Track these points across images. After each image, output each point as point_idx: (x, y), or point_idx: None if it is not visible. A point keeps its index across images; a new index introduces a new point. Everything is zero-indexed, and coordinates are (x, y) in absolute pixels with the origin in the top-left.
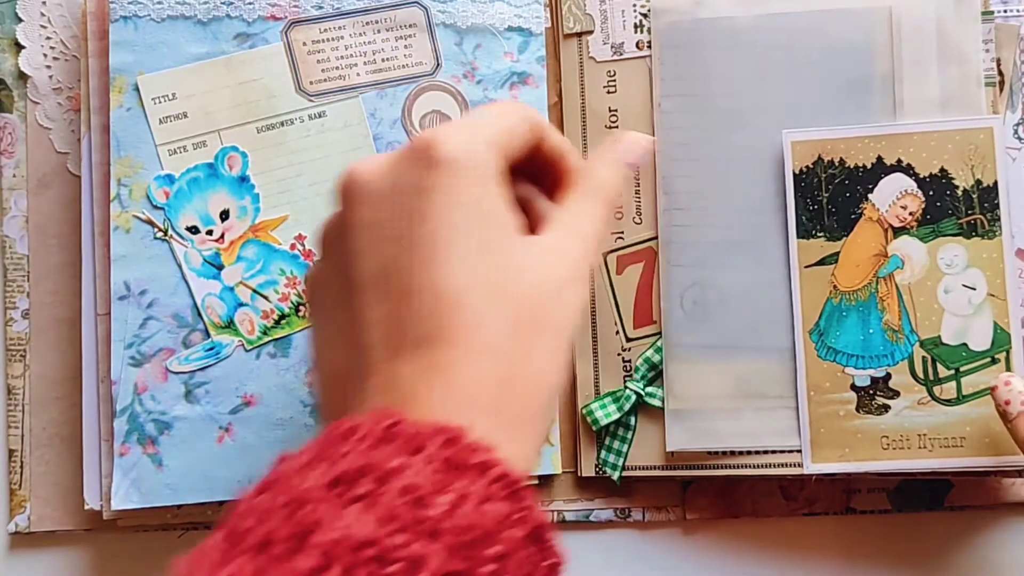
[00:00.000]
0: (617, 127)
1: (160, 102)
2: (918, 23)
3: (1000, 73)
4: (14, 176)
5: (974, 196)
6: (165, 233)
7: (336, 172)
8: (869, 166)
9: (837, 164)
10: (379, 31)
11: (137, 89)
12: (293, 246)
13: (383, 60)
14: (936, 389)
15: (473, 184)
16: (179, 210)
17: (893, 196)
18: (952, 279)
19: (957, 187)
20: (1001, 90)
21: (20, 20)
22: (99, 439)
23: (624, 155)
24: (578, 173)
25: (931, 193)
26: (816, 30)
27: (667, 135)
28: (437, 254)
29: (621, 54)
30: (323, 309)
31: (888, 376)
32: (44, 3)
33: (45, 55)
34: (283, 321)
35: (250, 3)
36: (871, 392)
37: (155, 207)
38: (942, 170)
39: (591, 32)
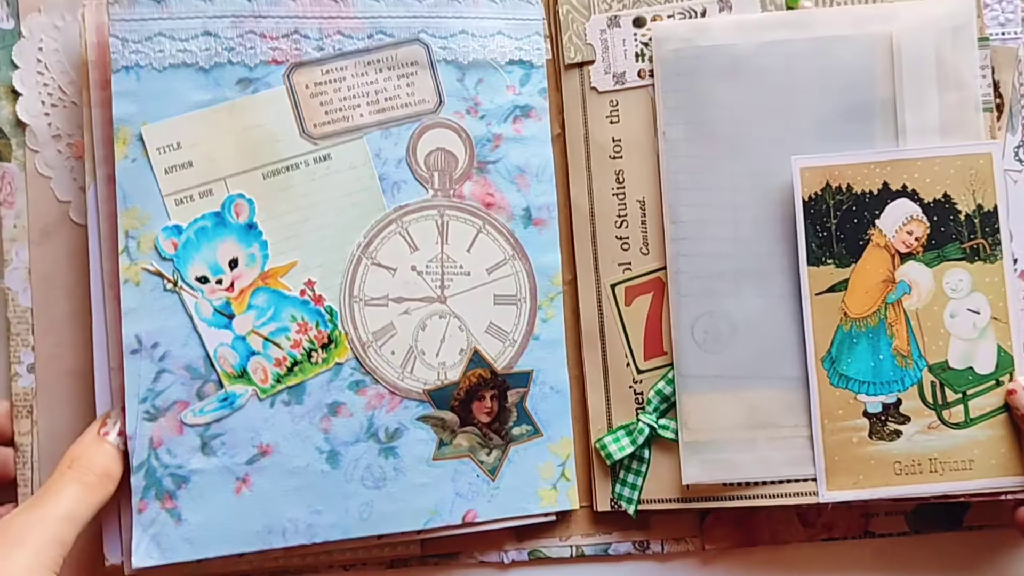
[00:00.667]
0: (621, 157)
1: (165, 152)
2: (917, 49)
3: (999, 95)
4: (15, 227)
5: (976, 221)
6: (175, 285)
7: (343, 214)
8: (876, 192)
9: (845, 190)
10: (381, 70)
11: (141, 139)
12: (303, 292)
13: (386, 99)
14: (945, 413)
15: None
16: (188, 260)
17: (899, 222)
18: (957, 303)
19: (960, 212)
20: (1000, 113)
21: (16, 67)
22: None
23: None
24: None
25: (935, 218)
26: (817, 57)
27: (672, 164)
28: None
29: (623, 83)
30: None
31: (899, 401)
32: (40, 49)
33: (43, 102)
34: (296, 368)
35: (251, 48)
36: (883, 418)
37: (164, 258)
38: (945, 195)
39: (592, 62)
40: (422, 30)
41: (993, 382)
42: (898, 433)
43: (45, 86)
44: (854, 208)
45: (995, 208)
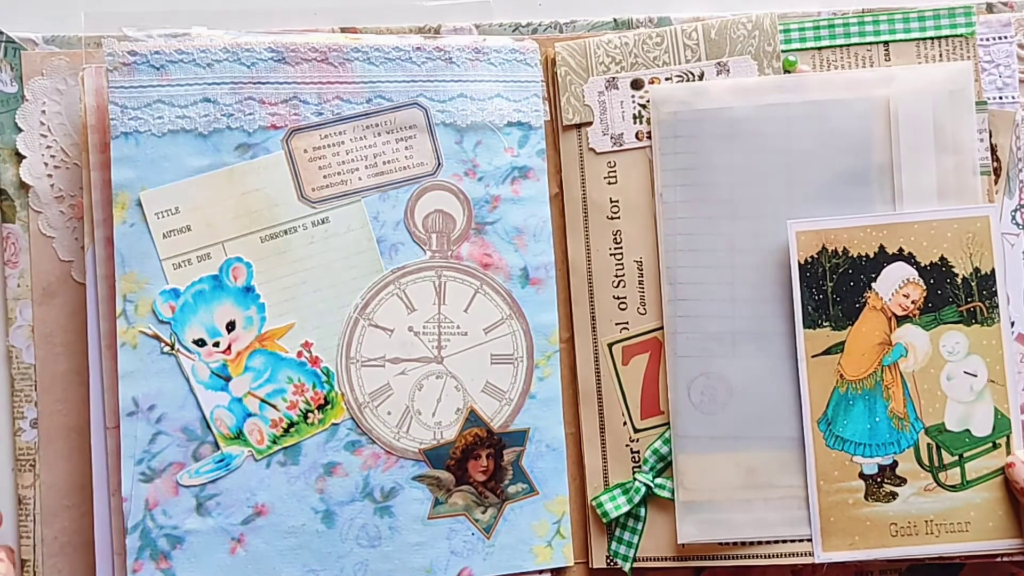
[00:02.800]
0: (619, 217)
1: (163, 216)
2: (914, 113)
3: (996, 159)
4: (18, 286)
5: (973, 284)
6: (172, 347)
7: (341, 277)
8: (872, 255)
9: (841, 253)
10: (379, 134)
11: (140, 204)
12: (300, 353)
13: (384, 163)
14: (941, 475)
15: None
16: (185, 324)
17: (896, 285)
18: (954, 366)
19: (957, 275)
20: (997, 177)
21: (20, 130)
22: (111, 551)
23: None
24: None
25: (932, 281)
26: (815, 120)
27: (669, 225)
28: None
29: (621, 145)
30: None
31: (895, 464)
32: (43, 112)
33: (46, 164)
34: (292, 429)
35: (250, 114)
36: (879, 480)
37: (161, 321)
38: (942, 258)
39: (590, 123)
40: (420, 94)
41: (990, 444)
42: (894, 495)
43: (48, 148)
44: (850, 271)
45: (992, 271)
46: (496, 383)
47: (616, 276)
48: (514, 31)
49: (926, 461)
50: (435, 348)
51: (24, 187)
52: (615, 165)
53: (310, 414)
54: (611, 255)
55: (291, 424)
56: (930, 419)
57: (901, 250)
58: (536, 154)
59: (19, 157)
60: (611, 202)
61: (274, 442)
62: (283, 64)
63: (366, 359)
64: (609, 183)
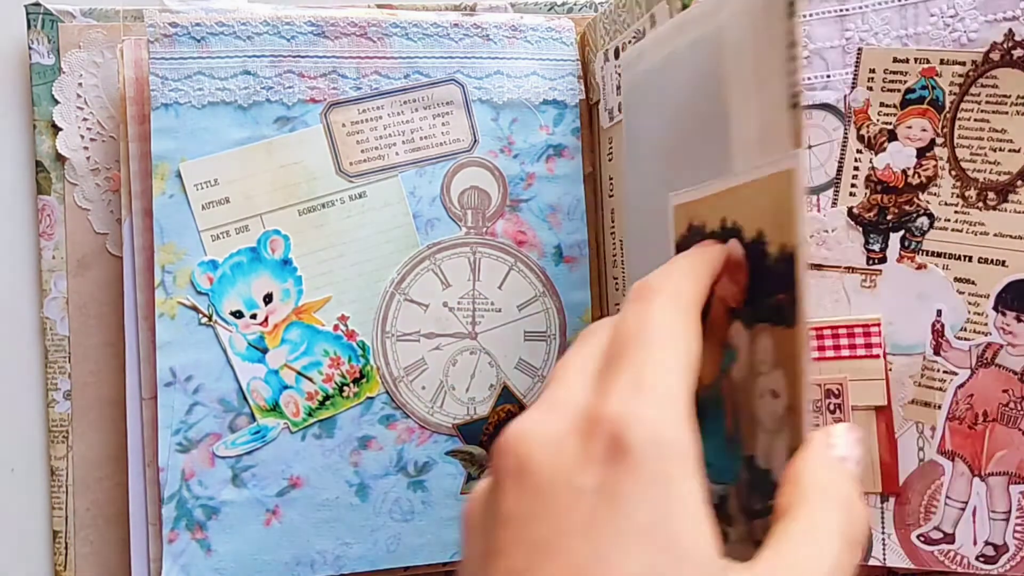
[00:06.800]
0: (612, 196)
1: (202, 188)
2: (737, 38)
3: None
4: (53, 258)
5: (781, 267)
6: (210, 319)
7: (377, 251)
8: (718, 231)
9: (700, 230)
10: (416, 109)
11: (179, 176)
12: (336, 327)
13: (421, 138)
14: (755, 524)
15: (665, 499)
16: (223, 295)
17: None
18: (764, 380)
19: (770, 255)
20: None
21: (57, 102)
22: (146, 522)
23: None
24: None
25: (753, 263)
26: (678, 68)
27: (625, 200)
28: None
29: (612, 119)
30: None
31: (727, 495)
32: (80, 84)
33: (82, 136)
34: (327, 402)
35: (289, 87)
36: (719, 512)
37: (199, 293)
38: (759, 232)
39: (599, 101)
40: (458, 70)
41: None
42: (726, 535)
43: (84, 121)
44: None
45: (795, 248)
46: (529, 360)
47: None
48: (549, 10)
49: (744, 502)
50: (469, 324)
51: (60, 159)
52: (611, 141)
53: (345, 387)
54: None
55: (326, 397)
56: (748, 448)
57: (735, 223)
58: (571, 132)
59: (55, 129)
60: (610, 180)
61: (309, 415)
62: (322, 38)
63: (401, 334)
64: (609, 160)
